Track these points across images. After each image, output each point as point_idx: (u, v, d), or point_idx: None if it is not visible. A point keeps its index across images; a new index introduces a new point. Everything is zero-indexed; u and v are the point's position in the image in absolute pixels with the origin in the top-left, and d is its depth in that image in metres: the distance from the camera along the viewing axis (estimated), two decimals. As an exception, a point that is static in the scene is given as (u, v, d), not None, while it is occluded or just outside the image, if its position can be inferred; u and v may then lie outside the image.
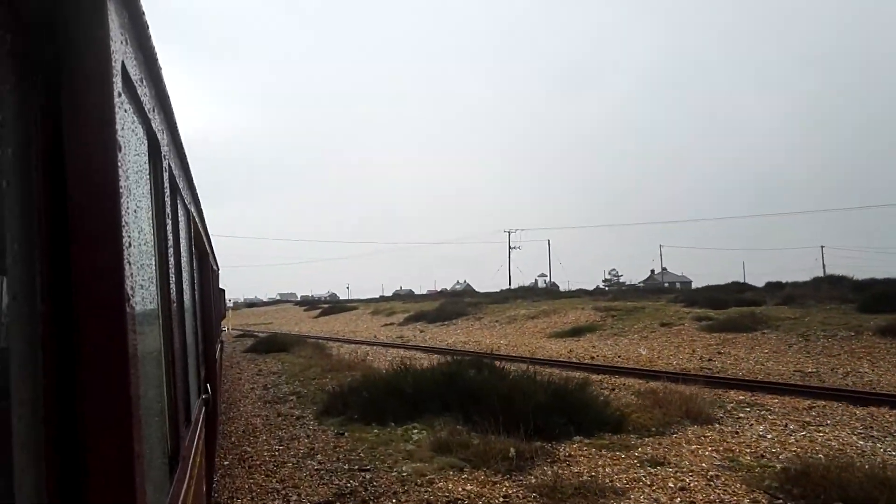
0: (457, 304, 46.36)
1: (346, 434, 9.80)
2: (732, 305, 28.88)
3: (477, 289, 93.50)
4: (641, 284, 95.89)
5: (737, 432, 9.62)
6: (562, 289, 79.31)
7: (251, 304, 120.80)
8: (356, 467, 8.08)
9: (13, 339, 0.97)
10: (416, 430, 9.64)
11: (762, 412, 11.36)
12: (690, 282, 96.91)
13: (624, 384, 15.43)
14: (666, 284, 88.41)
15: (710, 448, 8.60)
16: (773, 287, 36.46)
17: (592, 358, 21.94)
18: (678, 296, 37.73)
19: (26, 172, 1.01)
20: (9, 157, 0.96)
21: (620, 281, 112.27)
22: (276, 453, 9.01)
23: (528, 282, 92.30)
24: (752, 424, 10.25)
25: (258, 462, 8.59)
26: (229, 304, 43.90)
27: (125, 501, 1.10)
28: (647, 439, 9.21)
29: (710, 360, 19.71)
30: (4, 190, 0.95)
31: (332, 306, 72.10)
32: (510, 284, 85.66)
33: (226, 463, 8.62)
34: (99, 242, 1.11)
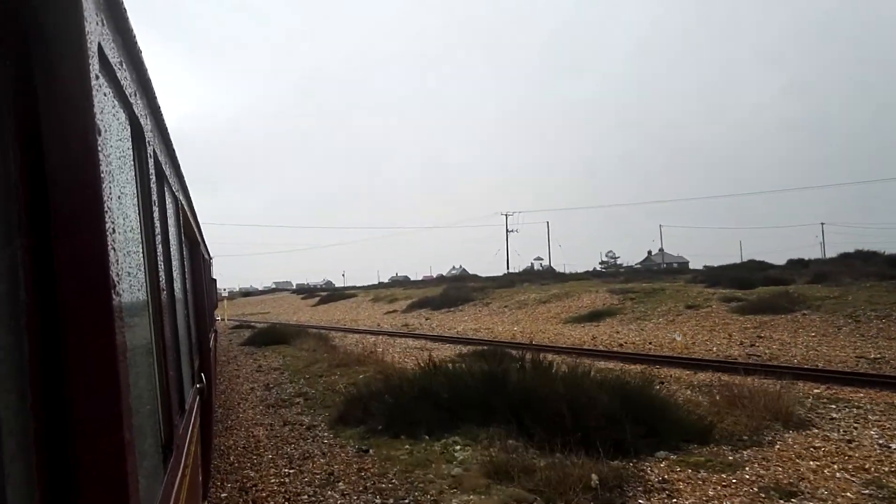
0: (461, 289, 44.52)
1: (370, 451, 7.99)
2: (759, 285, 27.18)
3: (473, 273, 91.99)
4: (639, 266, 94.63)
5: (849, 440, 7.87)
6: (558, 272, 77.84)
7: (247, 294, 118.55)
8: (391, 501, 6.28)
9: None
10: (458, 446, 7.83)
11: (855, 410, 9.63)
12: (687, 262, 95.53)
13: (671, 376, 13.71)
14: (664, 265, 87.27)
15: (834, 465, 6.85)
16: (796, 264, 34.79)
17: (621, 346, 20.23)
18: (696, 276, 36.02)
19: (3, 157, 0.96)
20: None
21: (617, 263, 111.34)
22: (287, 479, 7.21)
23: (524, 265, 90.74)
24: (857, 428, 8.50)
25: (264, 493, 6.79)
26: (224, 294, 42.29)
27: (117, 488, 1.08)
28: (744, 452, 7.45)
29: (752, 345, 18.02)
30: None
31: (331, 294, 69.43)
32: (508, 268, 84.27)
33: (223, 494, 6.81)
34: (81, 228, 1.08)
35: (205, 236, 10.39)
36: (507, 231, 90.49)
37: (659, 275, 44.19)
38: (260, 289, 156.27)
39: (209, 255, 13.45)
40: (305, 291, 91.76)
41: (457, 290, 43.91)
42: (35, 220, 1.01)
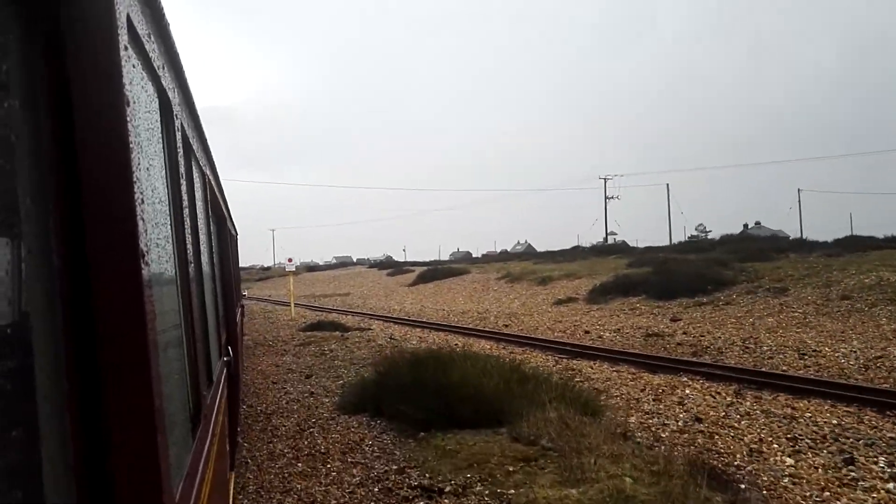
0: (667, 262, 27.04)
1: None
2: None
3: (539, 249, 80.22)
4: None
5: None
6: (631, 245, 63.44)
7: (312, 269, 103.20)
8: None
9: (30, 294, 0.91)
10: None
11: None
12: (788, 237, 75.90)
13: None
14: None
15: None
16: None
17: None
18: None
19: (34, 125, 0.96)
20: (16, 109, 0.91)
21: (709, 238, 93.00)
22: None
23: (611, 238, 73.93)
24: None
25: None
26: (291, 268, 27.61)
27: (147, 454, 1.08)
28: None
29: None
30: (14, 143, 0.90)
31: (432, 270, 49.38)
32: (606, 239, 69.14)
33: None
34: (110, 196, 1.07)
35: (231, 211, 9.69)
36: (605, 198, 72.96)
37: None
38: (321, 263, 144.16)
39: (236, 230, 12.63)
40: (391, 266, 73.81)
41: (679, 264, 26.24)
42: (66, 187, 1.01)
